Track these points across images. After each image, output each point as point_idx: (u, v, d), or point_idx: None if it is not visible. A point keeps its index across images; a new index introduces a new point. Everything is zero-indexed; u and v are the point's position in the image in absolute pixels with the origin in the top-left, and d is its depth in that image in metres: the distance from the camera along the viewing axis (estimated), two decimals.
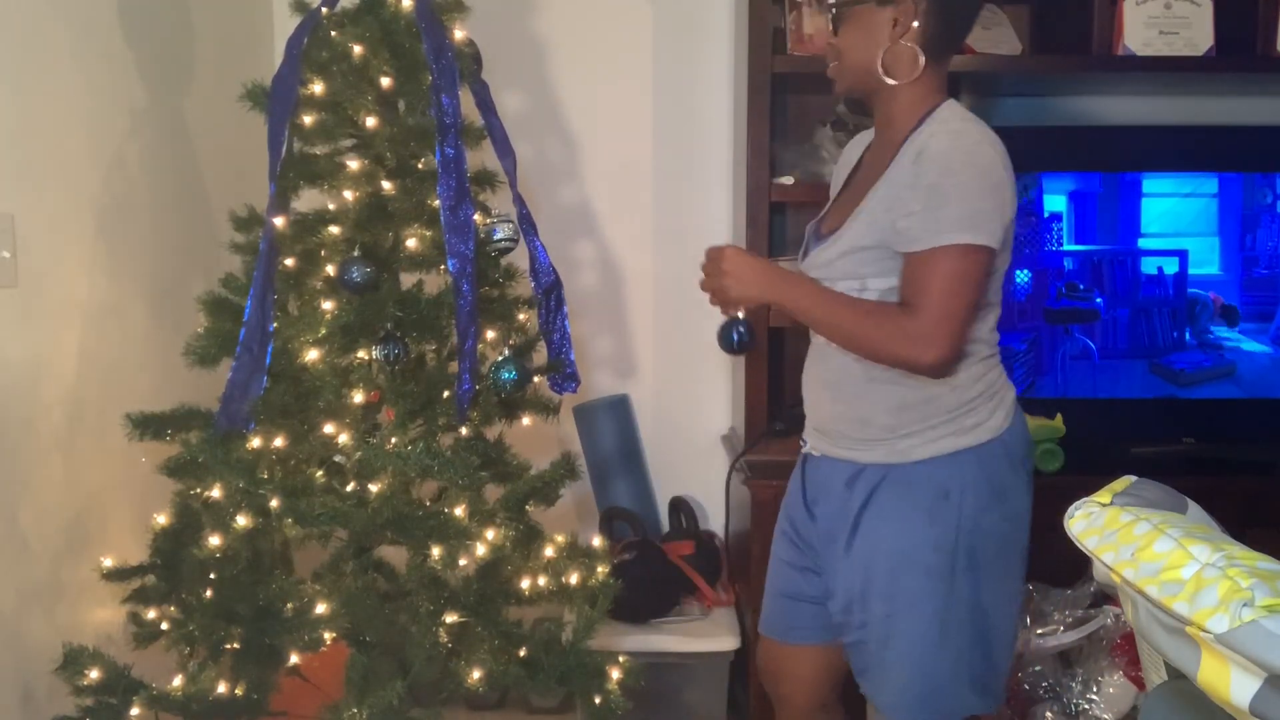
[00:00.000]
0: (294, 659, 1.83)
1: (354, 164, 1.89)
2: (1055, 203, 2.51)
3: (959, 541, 1.58)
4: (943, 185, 1.51)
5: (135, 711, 1.81)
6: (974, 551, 1.58)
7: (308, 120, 1.87)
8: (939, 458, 1.59)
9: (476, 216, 1.93)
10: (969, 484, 1.58)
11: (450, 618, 1.83)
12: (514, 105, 2.74)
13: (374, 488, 1.79)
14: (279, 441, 1.83)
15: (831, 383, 1.69)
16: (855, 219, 1.61)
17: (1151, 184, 2.52)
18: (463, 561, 1.80)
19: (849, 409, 1.66)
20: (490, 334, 1.94)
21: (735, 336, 1.69)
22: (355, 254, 1.83)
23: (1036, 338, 2.54)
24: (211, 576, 1.84)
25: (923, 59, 1.57)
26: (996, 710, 1.67)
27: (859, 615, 1.65)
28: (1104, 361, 2.55)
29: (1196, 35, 2.46)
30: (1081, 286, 2.52)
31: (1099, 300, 2.53)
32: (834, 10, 1.63)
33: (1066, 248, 2.52)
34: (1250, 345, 2.53)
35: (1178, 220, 2.52)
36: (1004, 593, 1.63)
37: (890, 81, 1.59)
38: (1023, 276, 2.52)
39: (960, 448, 1.59)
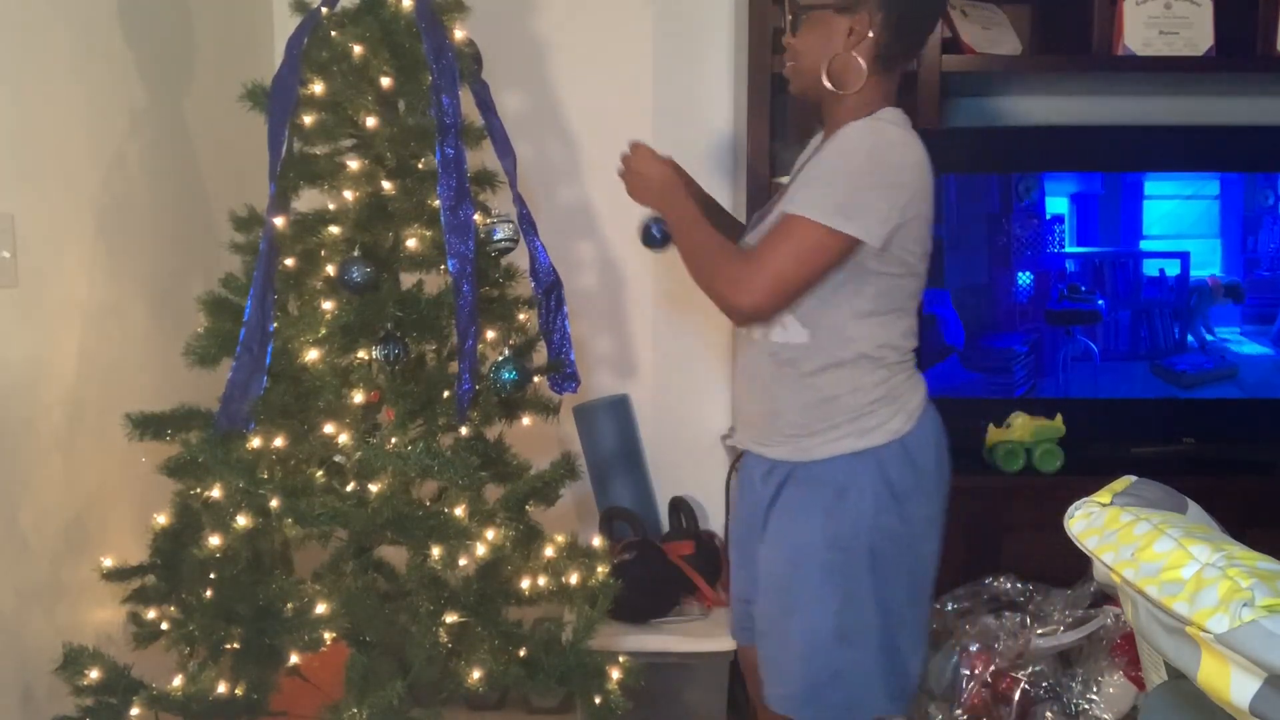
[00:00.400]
0: (294, 659, 1.83)
1: (354, 164, 1.89)
2: (1057, 205, 2.51)
3: (858, 541, 1.60)
4: (836, 166, 1.56)
5: (135, 711, 1.81)
6: (874, 551, 1.60)
7: (308, 120, 1.87)
8: (838, 457, 1.62)
9: (476, 216, 1.93)
10: (867, 485, 1.61)
11: (450, 618, 1.83)
12: (514, 105, 2.74)
13: (374, 488, 1.79)
14: (279, 441, 1.83)
15: (750, 376, 1.73)
16: (776, 209, 1.67)
17: (1153, 186, 2.51)
18: (463, 561, 1.80)
19: (763, 404, 1.70)
20: (490, 334, 1.94)
21: (656, 233, 1.78)
22: (355, 254, 1.83)
23: (1038, 339, 2.54)
24: (211, 576, 1.84)
25: (866, 70, 1.61)
26: (905, 712, 1.68)
27: (762, 608, 1.69)
28: (1105, 363, 2.54)
29: (1196, 35, 2.46)
30: (1083, 288, 2.52)
31: (1100, 302, 2.53)
32: (794, 13, 1.67)
33: (1068, 250, 2.52)
34: (1251, 348, 2.53)
35: (1179, 222, 2.52)
36: (909, 595, 1.64)
37: (829, 86, 1.62)
38: (1024, 278, 2.52)
39: (859, 449, 1.61)
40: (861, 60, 1.60)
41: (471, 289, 1.81)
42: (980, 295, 2.52)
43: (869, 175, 1.54)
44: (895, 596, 1.62)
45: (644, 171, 1.74)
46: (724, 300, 1.61)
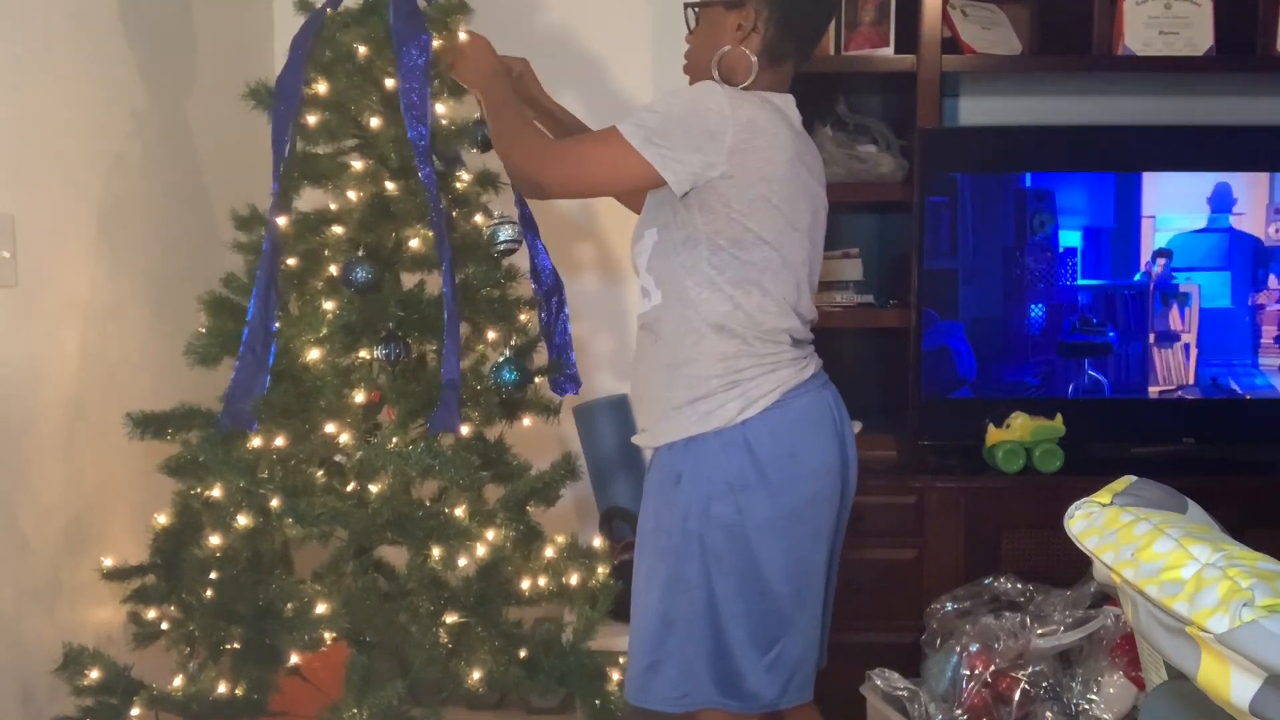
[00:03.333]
0: (294, 659, 1.83)
1: (358, 164, 1.89)
2: (1070, 238, 2.51)
3: (687, 526, 1.59)
4: (663, 99, 1.59)
5: (135, 711, 1.81)
6: (704, 540, 1.59)
7: (311, 120, 1.87)
8: (677, 443, 1.63)
9: (479, 218, 1.93)
10: (700, 470, 1.60)
11: (450, 618, 1.83)
12: None
13: (374, 488, 1.79)
14: (280, 441, 1.83)
15: (634, 363, 1.74)
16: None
17: (1164, 219, 2.50)
18: (463, 562, 1.80)
19: (637, 386, 1.74)
20: (491, 334, 1.94)
21: (479, 136, 1.88)
22: (359, 254, 1.83)
23: (1050, 371, 2.54)
24: (211, 576, 1.84)
25: (755, 65, 1.64)
26: (751, 711, 1.63)
27: None
28: (1115, 396, 2.54)
29: (1196, 35, 2.46)
30: (1095, 321, 2.52)
31: (1112, 335, 2.53)
32: (689, 9, 1.71)
33: (1080, 283, 2.52)
34: (1263, 379, 2.52)
35: (1190, 255, 2.51)
36: (741, 592, 1.59)
37: (718, 80, 1.63)
38: (1037, 311, 2.52)
39: (694, 434, 1.61)
40: (751, 55, 1.64)
41: (450, 283, 1.80)
42: (993, 327, 2.53)
43: (684, 118, 1.56)
44: (726, 590, 1.58)
45: (473, 54, 1.79)
46: (519, 169, 1.69)
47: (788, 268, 1.63)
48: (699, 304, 1.61)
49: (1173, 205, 2.51)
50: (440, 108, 1.89)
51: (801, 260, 1.65)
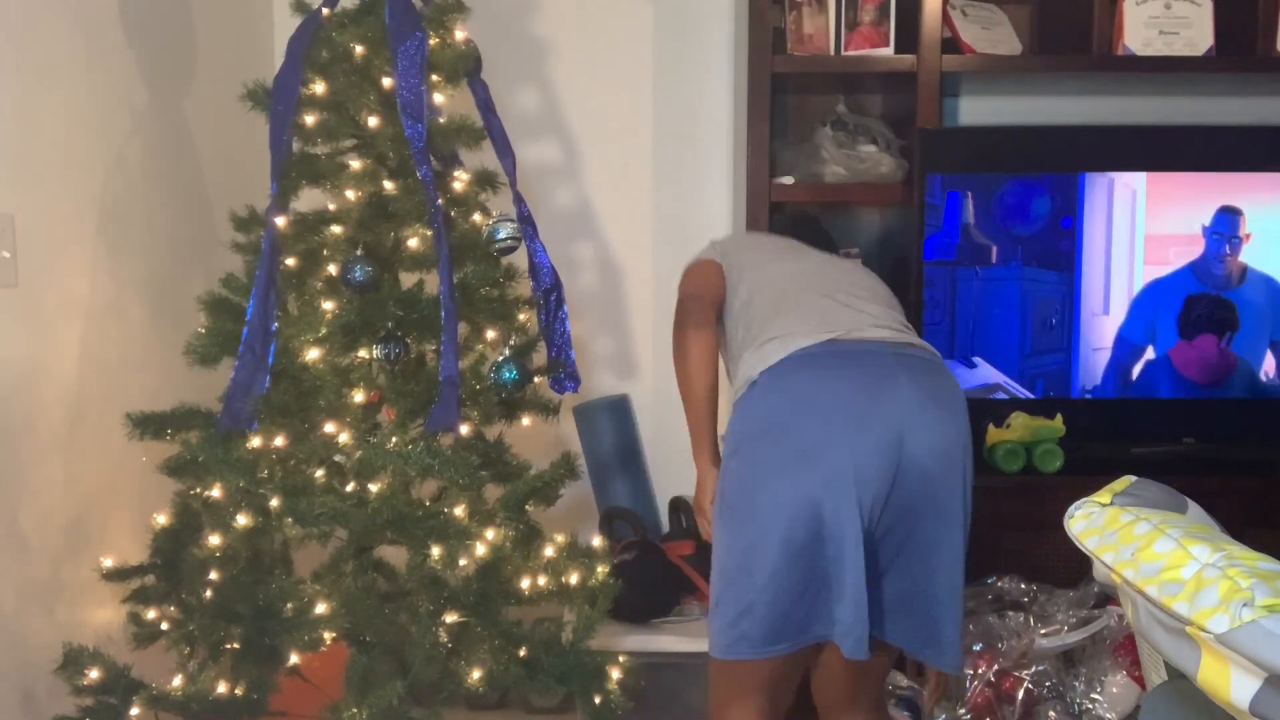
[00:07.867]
0: (294, 659, 1.83)
1: (356, 164, 1.89)
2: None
3: (720, 483, 1.78)
4: None
5: (135, 711, 1.81)
6: (721, 493, 1.77)
7: (309, 120, 1.87)
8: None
9: (477, 217, 1.93)
10: (726, 437, 1.80)
11: (450, 618, 1.83)
12: (514, 105, 2.73)
13: (374, 487, 1.79)
14: (279, 441, 1.83)
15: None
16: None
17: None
18: (463, 561, 1.80)
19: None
20: (490, 334, 1.94)
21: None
22: (358, 253, 1.83)
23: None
24: (211, 576, 1.84)
25: None
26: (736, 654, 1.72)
27: None
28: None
29: (1196, 35, 2.46)
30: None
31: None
32: None
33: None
34: None
35: None
36: (727, 542, 1.73)
37: None
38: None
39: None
40: None
41: (447, 279, 1.79)
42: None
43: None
44: (720, 541, 1.74)
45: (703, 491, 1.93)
46: None
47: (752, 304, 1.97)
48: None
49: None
50: (439, 97, 1.89)
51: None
